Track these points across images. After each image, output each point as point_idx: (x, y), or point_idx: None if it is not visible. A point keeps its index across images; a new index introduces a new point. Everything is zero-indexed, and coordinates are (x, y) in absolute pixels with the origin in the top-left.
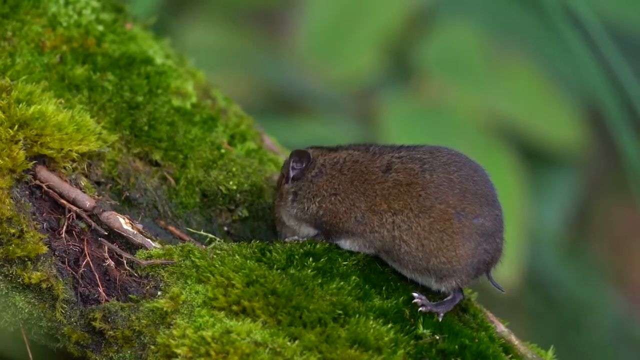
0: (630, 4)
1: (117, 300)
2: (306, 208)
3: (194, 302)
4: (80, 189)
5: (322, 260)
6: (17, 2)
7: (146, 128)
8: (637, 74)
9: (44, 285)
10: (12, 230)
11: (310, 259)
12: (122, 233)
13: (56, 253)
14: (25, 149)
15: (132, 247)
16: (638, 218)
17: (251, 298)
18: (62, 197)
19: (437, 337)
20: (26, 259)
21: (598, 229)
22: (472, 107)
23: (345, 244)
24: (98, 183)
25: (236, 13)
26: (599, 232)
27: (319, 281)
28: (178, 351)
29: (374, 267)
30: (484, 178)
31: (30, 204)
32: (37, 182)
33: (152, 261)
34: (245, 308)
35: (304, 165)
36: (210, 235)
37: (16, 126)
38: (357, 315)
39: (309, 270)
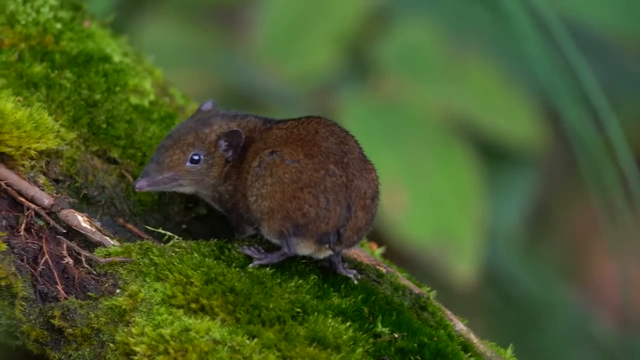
0: (590, 2)
1: (76, 298)
2: None
3: (152, 300)
4: (39, 186)
5: None
6: None
7: (104, 126)
8: (595, 70)
9: (2, 283)
10: None
11: None
12: (81, 231)
13: (15, 251)
14: None
15: (90, 244)
16: (596, 216)
17: (210, 296)
18: (21, 194)
19: (396, 336)
20: None
21: (556, 227)
22: (430, 105)
23: None
24: (56, 181)
25: (194, 11)
26: (558, 230)
27: (278, 280)
28: (137, 349)
29: None
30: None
31: None
32: None
33: (110, 259)
34: (204, 306)
35: None
36: (169, 233)
37: None
38: (315, 314)
39: (268, 269)
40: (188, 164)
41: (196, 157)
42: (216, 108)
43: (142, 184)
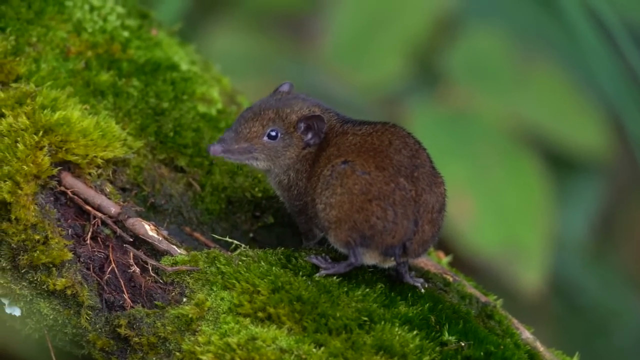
0: None
1: (143, 306)
2: None
3: (219, 309)
4: (106, 195)
5: None
6: (42, 7)
7: (172, 134)
8: None
9: (68, 292)
10: (37, 237)
11: None
12: (148, 239)
13: (81, 259)
14: (50, 155)
15: (157, 253)
16: None
17: (277, 305)
18: (87, 203)
19: (463, 344)
20: (51, 266)
21: (623, 235)
22: (498, 114)
23: None
24: (123, 189)
25: (262, 19)
26: (624, 238)
27: (345, 288)
28: (203, 358)
29: None
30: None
31: (55, 210)
32: (62, 188)
33: (177, 267)
34: (271, 315)
35: None
36: (236, 242)
37: (41, 132)
38: (382, 322)
39: (335, 277)
40: (265, 138)
41: (273, 133)
42: (293, 90)
43: (216, 149)
